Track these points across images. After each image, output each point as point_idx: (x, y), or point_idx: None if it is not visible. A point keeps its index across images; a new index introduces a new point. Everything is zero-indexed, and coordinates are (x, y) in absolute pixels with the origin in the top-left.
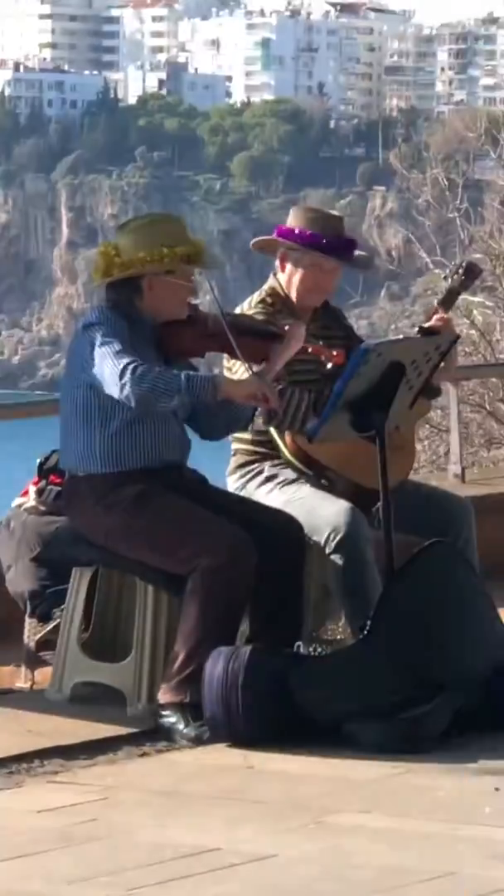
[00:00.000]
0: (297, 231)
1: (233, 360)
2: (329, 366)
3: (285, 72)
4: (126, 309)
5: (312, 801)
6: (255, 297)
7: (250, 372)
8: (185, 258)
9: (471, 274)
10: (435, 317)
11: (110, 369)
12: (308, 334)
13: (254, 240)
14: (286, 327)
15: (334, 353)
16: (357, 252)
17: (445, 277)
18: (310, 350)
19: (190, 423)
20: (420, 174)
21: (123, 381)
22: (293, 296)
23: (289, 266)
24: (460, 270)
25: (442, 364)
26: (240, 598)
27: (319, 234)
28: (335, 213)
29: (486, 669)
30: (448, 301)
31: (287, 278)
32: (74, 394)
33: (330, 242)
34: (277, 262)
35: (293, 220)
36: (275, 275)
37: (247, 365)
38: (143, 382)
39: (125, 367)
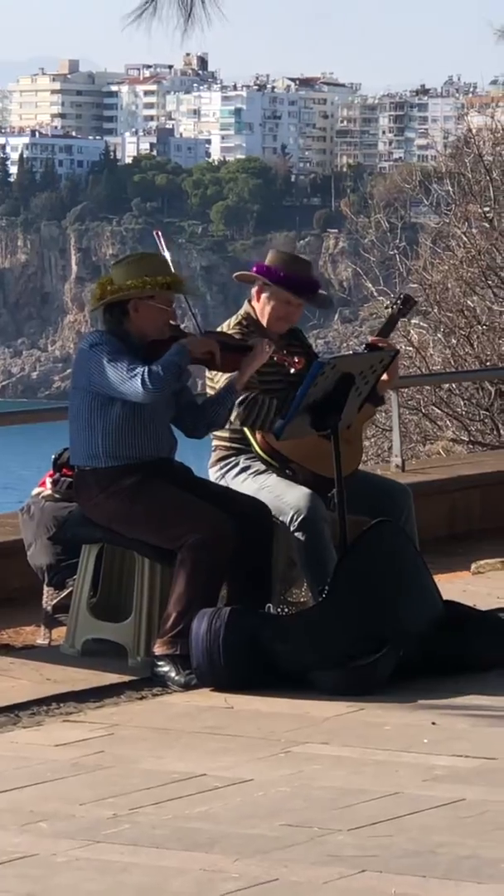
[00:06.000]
0: (273, 269)
1: (212, 371)
2: (292, 371)
3: (254, 135)
4: (117, 329)
5: (282, 735)
6: (233, 320)
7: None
8: (165, 286)
9: (408, 304)
10: (378, 342)
11: (130, 384)
12: (275, 347)
13: (237, 273)
14: (254, 343)
15: (296, 359)
16: (321, 291)
17: (387, 307)
18: (275, 358)
19: (176, 425)
20: (366, 218)
21: (147, 389)
22: (264, 322)
23: (263, 297)
24: (399, 301)
25: (385, 375)
26: (220, 567)
27: (290, 274)
28: (305, 258)
29: (424, 625)
30: (389, 326)
31: (261, 307)
32: (80, 402)
33: (299, 283)
34: (254, 292)
35: (270, 260)
36: (249, 302)
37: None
38: (161, 384)
39: (143, 380)
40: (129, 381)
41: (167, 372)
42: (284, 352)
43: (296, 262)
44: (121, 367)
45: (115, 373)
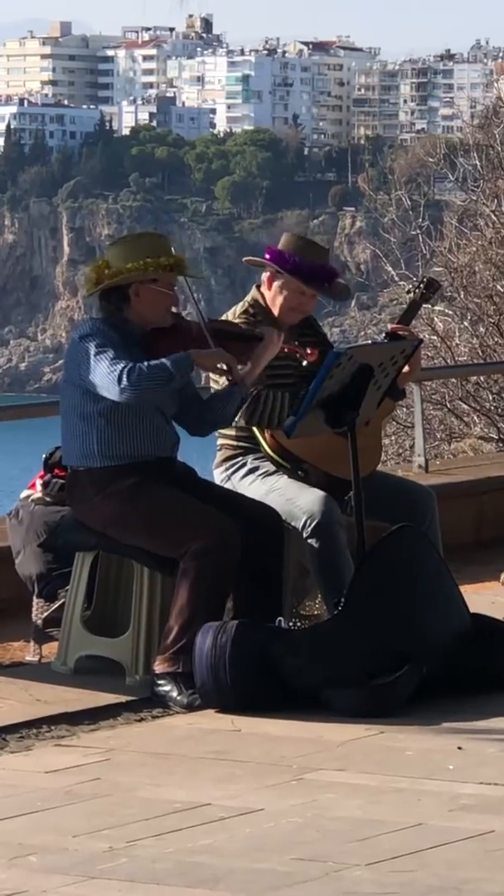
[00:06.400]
0: (286, 256)
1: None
2: (304, 363)
3: (263, 104)
4: (115, 317)
5: (293, 760)
6: (239, 307)
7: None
8: (168, 268)
9: (431, 288)
10: (399, 330)
11: (108, 377)
12: (286, 337)
13: (247, 258)
14: (263, 333)
15: (308, 351)
16: (338, 280)
17: (409, 291)
18: (286, 349)
19: (178, 421)
20: (385, 196)
21: (122, 386)
22: (275, 311)
23: (275, 286)
24: (422, 285)
25: (406, 367)
26: (226, 577)
27: (304, 263)
28: (322, 244)
29: (449, 640)
30: (410, 312)
31: (272, 296)
32: (73, 396)
33: (314, 272)
34: (265, 278)
35: (284, 244)
36: (258, 287)
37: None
38: (139, 383)
39: (121, 374)
40: (108, 376)
41: (152, 372)
42: (296, 342)
43: (312, 249)
44: (104, 361)
45: (97, 367)
